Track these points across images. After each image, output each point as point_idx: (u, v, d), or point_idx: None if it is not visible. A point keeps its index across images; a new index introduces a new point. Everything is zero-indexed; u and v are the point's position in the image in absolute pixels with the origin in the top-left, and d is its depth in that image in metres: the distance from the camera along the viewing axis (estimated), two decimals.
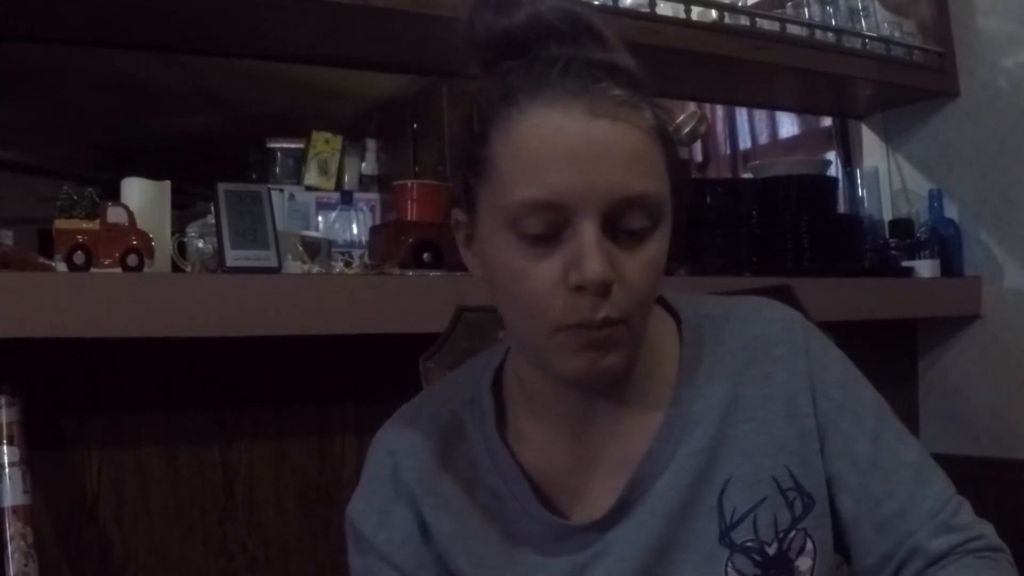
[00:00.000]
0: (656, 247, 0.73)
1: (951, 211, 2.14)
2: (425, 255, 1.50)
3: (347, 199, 1.93)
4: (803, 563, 0.79)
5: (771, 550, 0.78)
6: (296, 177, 2.12)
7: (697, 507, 0.79)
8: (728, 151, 3.08)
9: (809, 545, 0.79)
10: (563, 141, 0.69)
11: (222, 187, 1.38)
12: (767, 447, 0.79)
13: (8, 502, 1.17)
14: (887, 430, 0.82)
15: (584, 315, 0.70)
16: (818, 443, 0.80)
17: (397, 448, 0.85)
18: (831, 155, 2.53)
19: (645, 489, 0.79)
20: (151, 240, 1.33)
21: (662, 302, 0.86)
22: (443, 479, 0.83)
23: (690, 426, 0.80)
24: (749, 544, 0.78)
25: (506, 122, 0.72)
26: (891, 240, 2.14)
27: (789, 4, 2.02)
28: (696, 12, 1.80)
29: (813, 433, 0.80)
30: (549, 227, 0.70)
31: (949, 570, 0.77)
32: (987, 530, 0.81)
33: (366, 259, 1.67)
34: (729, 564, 0.78)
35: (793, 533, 0.79)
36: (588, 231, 0.69)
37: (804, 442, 0.80)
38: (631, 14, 1.72)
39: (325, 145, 2.13)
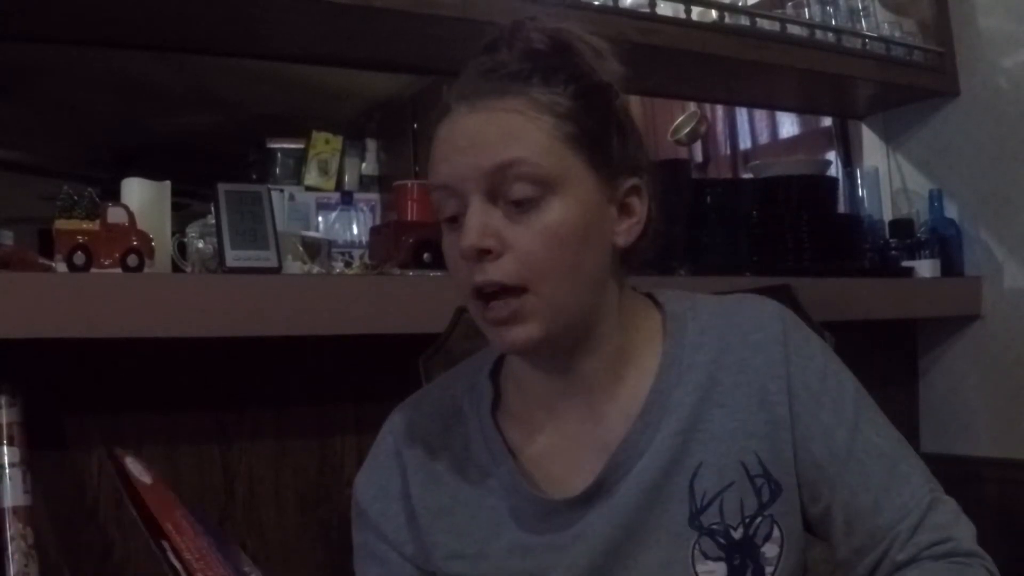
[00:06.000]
0: (552, 217, 0.78)
1: (951, 211, 2.13)
2: (425, 255, 1.50)
3: (347, 199, 1.93)
4: (770, 550, 0.81)
5: (736, 534, 0.80)
6: (296, 177, 2.12)
7: (669, 490, 0.81)
8: (728, 151, 3.07)
9: (776, 532, 0.81)
10: (447, 136, 0.80)
11: (222, 187, 1.38)
12: (737, 433, 0.82)
13: (8, 502, 1.17)
14: (866, 422, 0.83)
15: (473, 280, 0.78)
16: (789, 432, 0.82)
17: (399, 428, 0.92)
18: (831, 155, 2.52)
19: (623, 473, 0.82)
20: (151, 240, 1.33)
21: (650, 298, 0.90)
22: (437, 457, 0.89)
23: (667, 412, 0.83)
24: (715, 527, 0.80)
25: (433, 126, 0.83)
26: (891, 240, 2.14)
27: (789, 4, 2.02)
28: (696, 12, 1.80)
29: (785, 422, 0.82)
30: (456, 208, 0.80)
31: (907, 573, 0.78)
32: (962, 532, 0.80)
33: (366, 259, 1.67)
34: (696, 546, 0.80)
35: (760, 519, 0.81)
36: (471, 206, 0.78)
37: (774, 430, 0.82)
38: (631, 14, 1.72)
39: (325, 145, 2.14)
